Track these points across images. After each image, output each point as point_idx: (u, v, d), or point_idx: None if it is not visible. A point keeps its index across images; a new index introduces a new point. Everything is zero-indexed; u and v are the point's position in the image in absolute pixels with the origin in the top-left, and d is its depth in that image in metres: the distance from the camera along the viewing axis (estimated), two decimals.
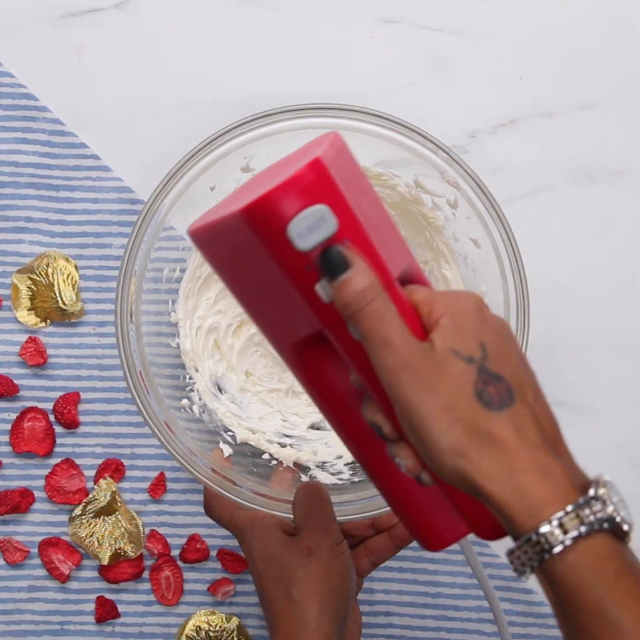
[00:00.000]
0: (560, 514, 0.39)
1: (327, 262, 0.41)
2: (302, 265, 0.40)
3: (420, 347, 0.41)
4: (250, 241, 0.40)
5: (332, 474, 0.67)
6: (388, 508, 0.63)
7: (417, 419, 0.41)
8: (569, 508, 0.39)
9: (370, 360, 0.41)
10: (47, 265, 0.71)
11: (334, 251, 0.41)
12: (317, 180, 0.40)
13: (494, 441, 0.40)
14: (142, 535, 0.72)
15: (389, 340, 0.41)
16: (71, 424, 0.71)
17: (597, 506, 0.39)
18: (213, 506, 0.61)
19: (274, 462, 0.68)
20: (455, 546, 0.72)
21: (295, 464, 0.68)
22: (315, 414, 0.70)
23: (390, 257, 0.43)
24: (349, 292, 0.41)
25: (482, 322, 0.42)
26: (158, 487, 0.72)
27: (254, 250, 0.41)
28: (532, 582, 0.73)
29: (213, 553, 0.72)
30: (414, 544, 0.72)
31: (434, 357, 0.41)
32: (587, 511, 0.39)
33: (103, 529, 0.71)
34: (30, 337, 0.71)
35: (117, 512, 0.71)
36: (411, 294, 0.43)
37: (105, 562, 0.71)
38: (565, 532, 0.39)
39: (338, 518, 0.62)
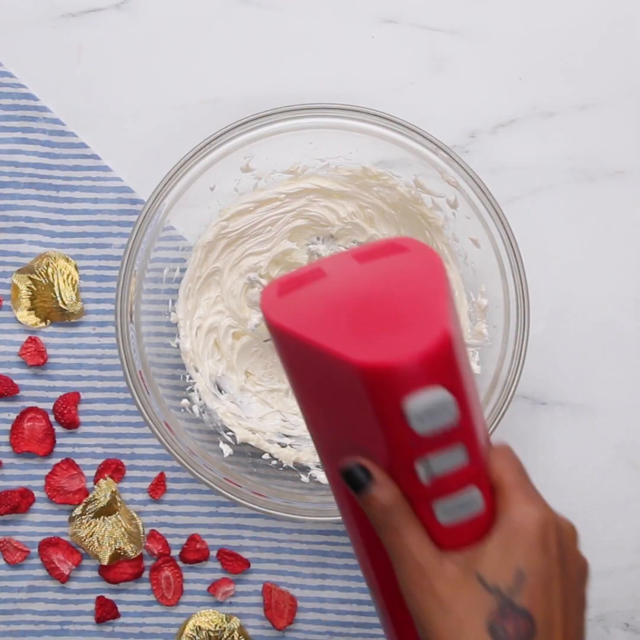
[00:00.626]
0: None
1: (351, 480, 0.42)
2: (407, 437, 0.39)
3: (440, 564, 0.41)
4: (354, 389, 0.39)
5: None
6: None
7: (426, 633, 0.40)
8: None
9: (393, 566, 0.42)
10: (47, 265, 0.71)
11: (356, 470, 0.42)
12: (444, 362, 0.39)
13: None
14: (142, 535, 0.72)
15: (405, 558, 0.41)
16: (71, 424, 0.71)
17: None
18: None
19: (274, 462, 0.68)
20: None
21: (295, 463, 0.68)
22: None
23: (482, 436, 0.42)
24: (374, 509, 0.41)
25: (538, 546, 0.40)
26: (158, 487, 0.72)
27: (354, 395, 0.39)
28: None
29: (213, 553, 0.72)
30: None
31: (455, 577, 0.40)
32: None
33: (103, 529, 0.71)
34: (30, 337, 0.71)
35: (117, 512, 0.71)
36: (500, 475, 0.42)
37: (105, 562, 0.71)
38: None
39: (337, 518, 0.63)
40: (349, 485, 0.42)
